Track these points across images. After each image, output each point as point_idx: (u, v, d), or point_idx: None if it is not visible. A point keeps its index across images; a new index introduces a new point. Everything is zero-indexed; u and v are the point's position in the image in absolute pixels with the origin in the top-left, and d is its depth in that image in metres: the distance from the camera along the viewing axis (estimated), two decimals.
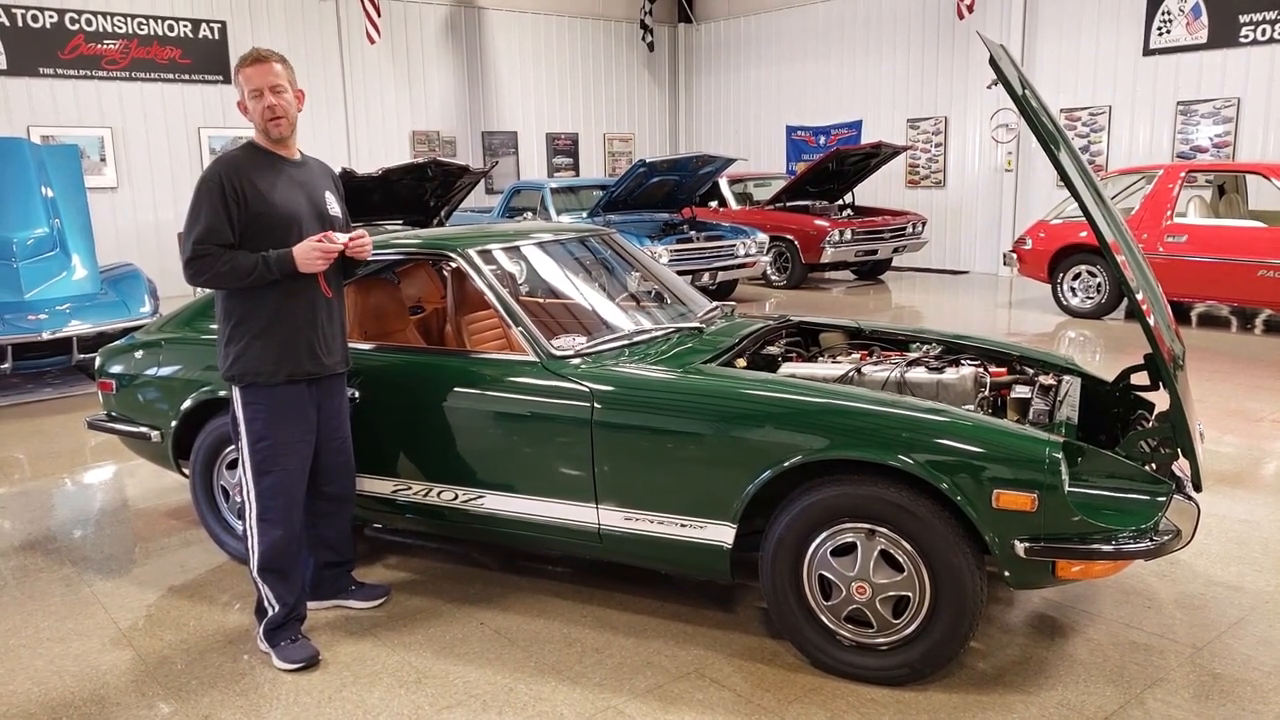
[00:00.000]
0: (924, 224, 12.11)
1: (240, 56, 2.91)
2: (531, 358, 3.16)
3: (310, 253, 2.82)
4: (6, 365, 6.43)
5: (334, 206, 3.05)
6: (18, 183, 7.11)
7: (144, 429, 3.93)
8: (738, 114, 15.94)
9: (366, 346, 3.52)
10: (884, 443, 2.63)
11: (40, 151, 7.52)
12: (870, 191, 13.15)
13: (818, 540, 2.75)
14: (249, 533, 2.98)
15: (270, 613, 3.00)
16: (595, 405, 2.98)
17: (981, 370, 3.24)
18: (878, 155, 11.62)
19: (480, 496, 3.24)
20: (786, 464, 2.72)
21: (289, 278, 2.84)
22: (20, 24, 10.69)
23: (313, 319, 2.95)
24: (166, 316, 4.16)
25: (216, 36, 11.97)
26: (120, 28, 11.32)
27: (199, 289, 3.32)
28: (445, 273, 4.28)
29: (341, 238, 2.90)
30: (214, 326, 3.24)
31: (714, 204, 12.31)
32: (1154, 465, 2.76)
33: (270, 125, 2.87)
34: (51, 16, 10.88)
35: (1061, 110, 11.76)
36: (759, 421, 2.80)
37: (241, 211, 2.80)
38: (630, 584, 3.43)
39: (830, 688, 2.77)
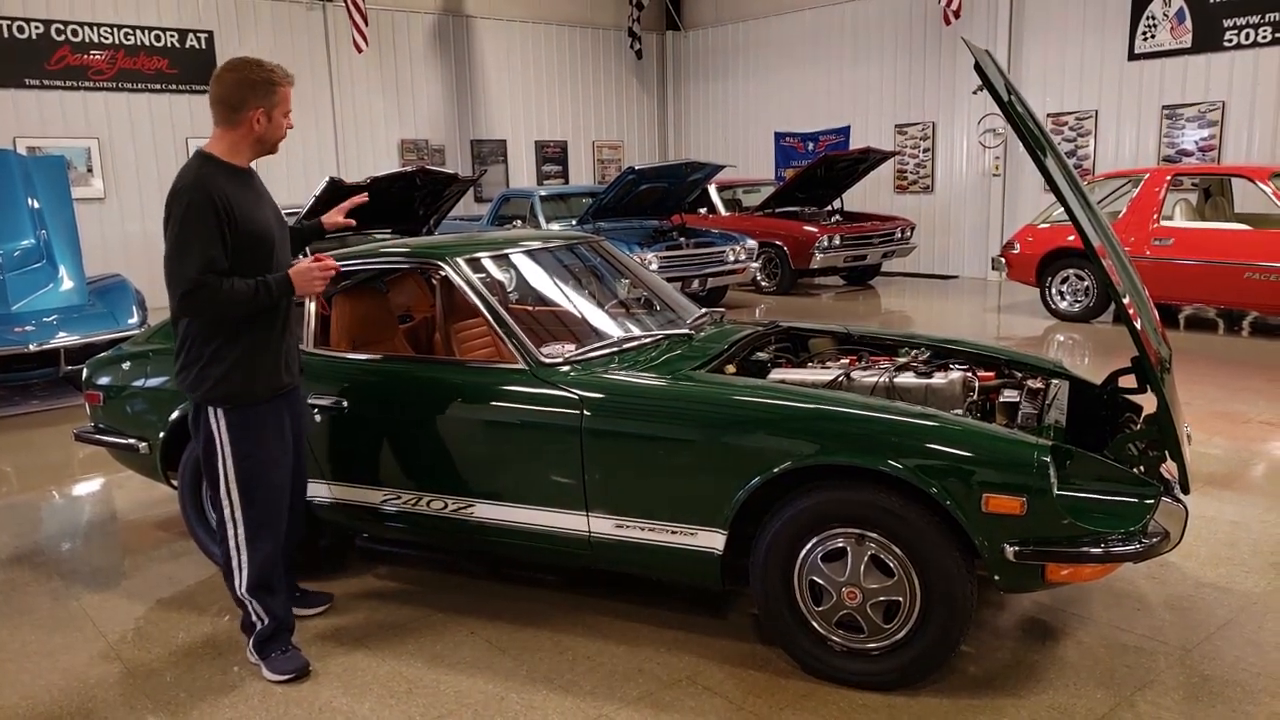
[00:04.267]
0: (912, 229, 12.15)
1: (274, 71, 2.79)
2: (521, 366, 3.16)
3: (310, 274, 2.80)
4: None
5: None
6: (4, 194, 7.08)
7: (132, 441, 3.90)
8: (726, 121, 15.99)
9: (355, 356, 3.52)
10: (873, 448, 2.64)
11: (26, 163, 7.48)
12: (859, 197, 13.19)
13: (808, 546, 2.75)
14: (235, 552, 2.92)
15: (259, 627, 2.99)
16: (585, 413, 2.98)
17: (970, 375, 3.25)
18: (866, 161, 11.66)
19: (470, 505, 3.24)
20: (777, 470, 2.72)
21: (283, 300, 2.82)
22: (5, 35, 10.65)
23: (283, 334, 2.93)
24: (154, 327, 4.14)
25: (203, 46, 11.94)
26: (107, 38, 11.29)
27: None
28: (434, 281, 4.28)
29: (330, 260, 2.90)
30: None
31: (703, 210, 12.33)
32: (1142, 468, 2.78)
33: (277, 143, 2.88)
34: (37, 27, 10.84)
35: (1048, 115, 11.83)
36: (749, 427, 2.80)
37: (230, 234, 2.71)
38: (621, 591, 3.43)
39: (822, 693, 2.77)
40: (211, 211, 2.66)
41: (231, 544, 2.92)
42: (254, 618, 2.98)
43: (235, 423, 2.84)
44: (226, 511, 2.89)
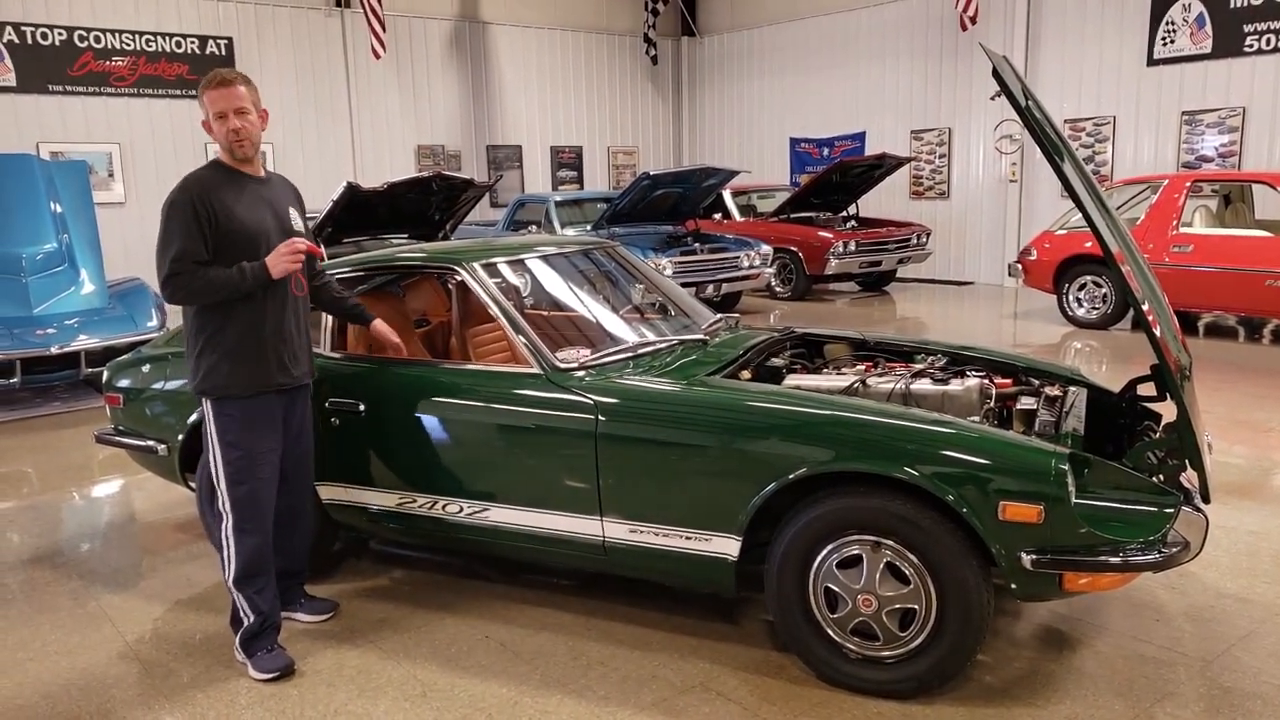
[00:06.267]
0: (928, 235, 12.10)
1: (204, 79, 2.95)
2: (536, 370, 3.17)
3: (280, 255, 2.89)
4: (15, 380, 6.45)
5: (297, 222, 3.12)
6: (27, 198, 7.16)
7: (151, 443, 3.94)
8: (741, 126, 15.98)
9: (371, 359, 3.53)
10: (890, 455, 2.63)
11: (49, 167, 7.57)
12: (874, 203, 13.15)
13: (823, 552, 2.74)
14: (225, 543, 3.00)
15: (246, 623, 3.04)
16: (599, 418, 2.98)
17: (987, 381, 3.23)
18: (881, 167, 11.64)
19: (485, 509, 3.24)
20: (792, 476, 2.71)
21: (262, 288, 2.90)
22: (30, 41, 10.79)
23: (281, 331, 3.00)
24: (173, 331, 4.17)
25: (223, 53, 12.05)
26: (128, 45, 11.41)
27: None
28: (450, 286, 4.30)
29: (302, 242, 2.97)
30: None
31: (718, 216, 12.33)
32: (1161, 476, 2.75)
33: (234, 146, 2.93)
34: (60, 34, 10.98)
35: (1065, 121, 11.77)
36: (764, 433, 2.80)
37: (212, 230, 2.85)
38: (635, 597, 3.42)
39: (836, 701, 2.76)
40: (190, 209, 2.83)
41: (223, 534, 3.01)
42: (241, 613, 3.04)
43: (222, 414, 2.94)
44: (220, 502, 2.99)
